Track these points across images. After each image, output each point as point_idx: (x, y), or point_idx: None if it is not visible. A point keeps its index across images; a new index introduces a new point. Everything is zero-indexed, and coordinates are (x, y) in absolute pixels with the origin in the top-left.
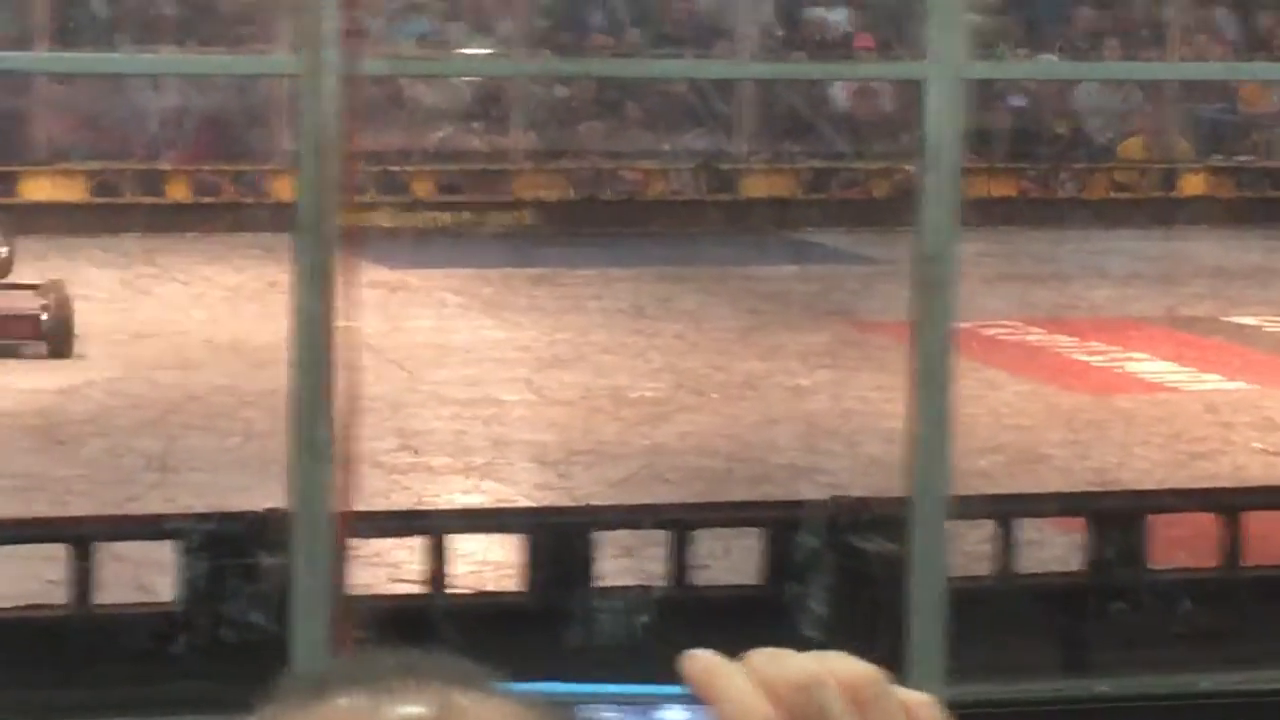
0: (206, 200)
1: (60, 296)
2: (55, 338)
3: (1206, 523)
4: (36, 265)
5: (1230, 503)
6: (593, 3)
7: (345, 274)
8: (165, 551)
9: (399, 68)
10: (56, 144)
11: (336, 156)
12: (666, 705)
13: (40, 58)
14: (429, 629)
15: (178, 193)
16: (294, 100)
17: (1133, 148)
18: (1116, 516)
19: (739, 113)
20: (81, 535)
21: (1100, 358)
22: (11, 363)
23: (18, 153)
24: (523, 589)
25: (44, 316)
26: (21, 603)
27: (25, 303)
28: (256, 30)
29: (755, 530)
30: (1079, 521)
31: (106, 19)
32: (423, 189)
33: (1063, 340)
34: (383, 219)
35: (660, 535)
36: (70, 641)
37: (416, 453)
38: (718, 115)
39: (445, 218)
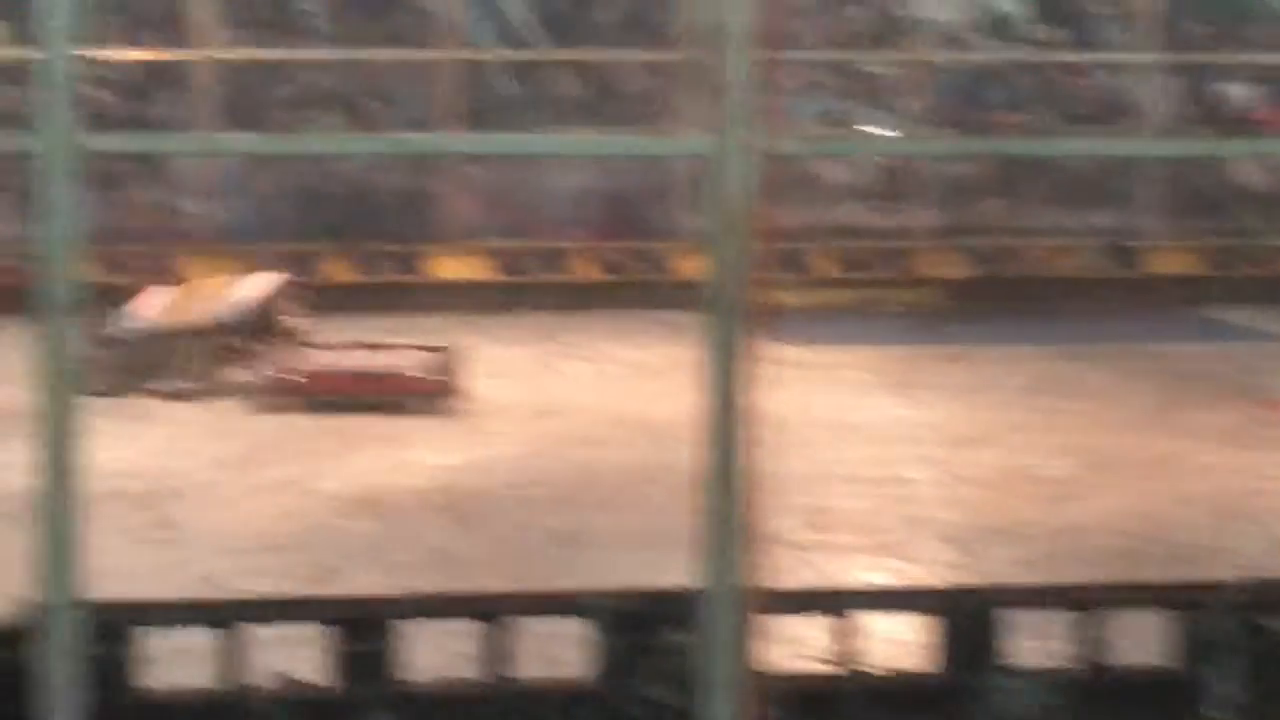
0: (610, 278)
1: (447, 360)
2: (440, 396)
3: None
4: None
5: None
6: (994, 80)
7: (754, 352)
8: (575, 627)
9: (809, 147)
10: (465, 223)
11: (747, 235)
12: None
13: (452, 139)
14: (837, 708)
15: (582, 271)
16: (699, 179)
17: None
18: None
19: (1146, 189)
20: (494, 611)
21: None
22: (418, 439)
23: (427, 232)
24: (932, 668)
25: (431, 376)
26: (435, 676)
27: (415, 360)
28: (658, 110)
29: (1166, 611)
30: None
31: (514, 99)
32: (825, 266)
33: None
34: (786, 297)
35: (1070, 615)
36: (484, 714)
37: (823, 530)
38: (1121, 191)
39: (848, 295)
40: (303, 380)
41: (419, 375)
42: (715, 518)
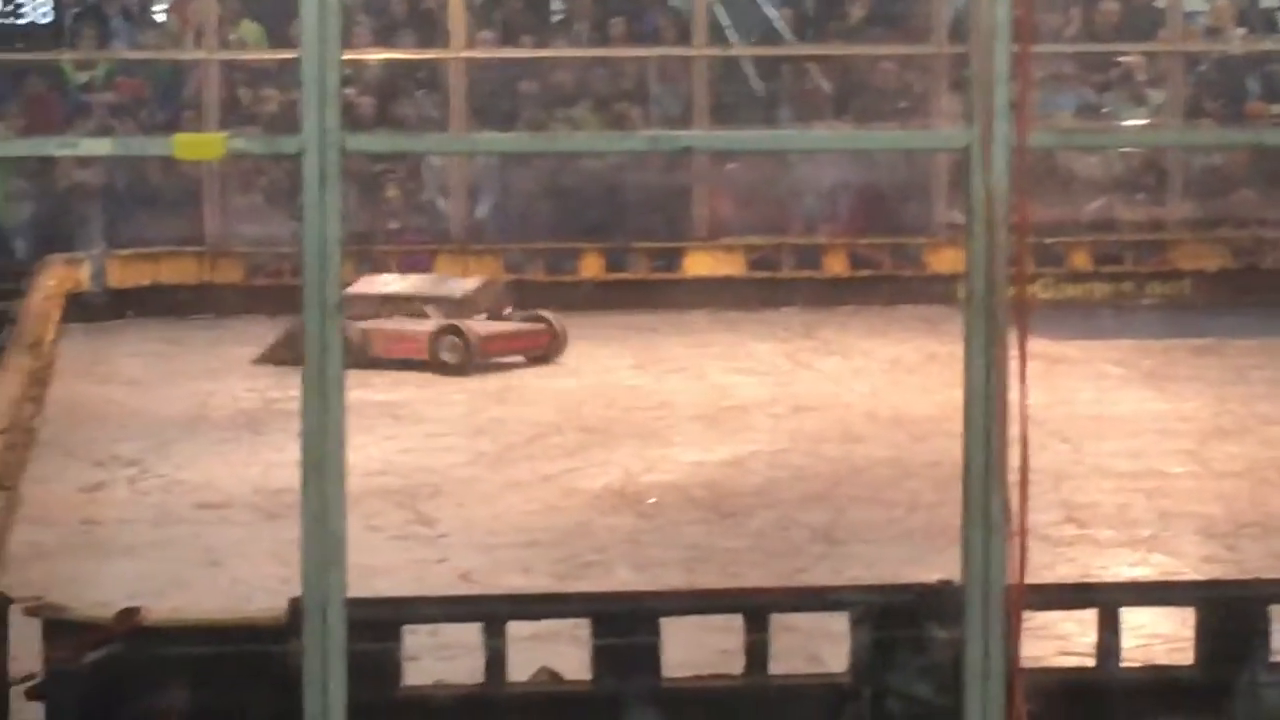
0: (864, 274)
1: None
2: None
3: None
4: (696, 338)
5: None
6: (1250, 71)
7: (1014, 347)
8: (835, 623)
9: (1066, 140)
10: (717, 220)
11: (1006, 230)
12: None
13: (709, 136)
14: (1097, 703)
15: (835, 266)
16: (955, 173)
17: None
18: None
19: None
20: (757, 606)
21: None
22: (677, 438)
23: (681, 230)
24: (1193, 663)
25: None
26: (697, 672)
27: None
28: (913, 105)
29: None
30: None
31: (764, 95)
32: (1080, 260)
33: None
34: (1042, 291)
35: None
36: (743, 711)
37: (1081, 525)
38: None
39: (1103, 289)
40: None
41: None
42: (976, 513)
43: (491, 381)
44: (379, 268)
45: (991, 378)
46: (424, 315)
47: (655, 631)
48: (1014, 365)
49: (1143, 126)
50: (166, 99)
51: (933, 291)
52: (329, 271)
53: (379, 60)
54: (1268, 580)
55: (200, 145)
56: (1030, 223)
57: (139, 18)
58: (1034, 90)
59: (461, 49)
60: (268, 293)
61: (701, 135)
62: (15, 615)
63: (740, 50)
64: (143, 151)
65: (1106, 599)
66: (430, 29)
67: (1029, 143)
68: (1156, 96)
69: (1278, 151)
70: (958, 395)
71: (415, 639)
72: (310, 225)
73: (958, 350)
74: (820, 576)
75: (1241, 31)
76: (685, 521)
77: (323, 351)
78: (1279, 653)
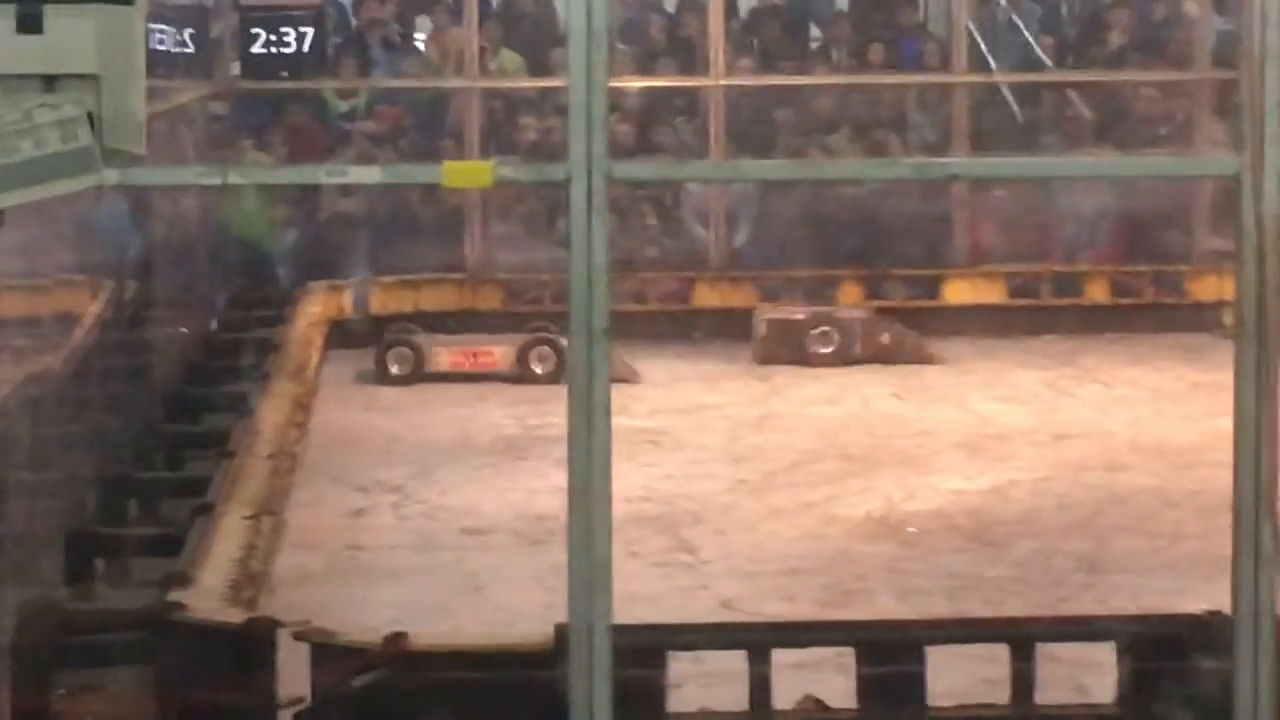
0: (1126, 301)
1: None
2: None
3: None
4: (958, 366)
5: None
6: None
7: None
8: (1101, 653)
9: None
10: (977, 247)
11: (1276, 257)
12: None
13: (973, 164)
14: None
15: (1096, 294)
16: (1218, 200)
17: None
18: None
19: None
20: (1021, 635)
21: None
22: (938, 466)
23: (942, 257)
24: None
25: None
26: (965, 701)
27: None
28: (1174, 131)
29: None
30: None
31: (1024, 122)
32: None
33: None
34: None
35: None
36: None
37: None
38: None
39: None
40: None
41: None
42: (1246, 542)
43: (752, 410)
44: (635, 297)
45: (1262, 405)
46: None
47: (920, 660)
48: None
49: None
50: (426, 128)
51: (1195, 320)
52: (596, 297)
53: (639, 88)
54: None
55: (469, 173)
56: None
57: (400, 46)
58: None
59: (720, 76)
60: (527, 318)
61: (966, 162)
62: (283, 639)
63: (1000, 77)
64: (411, 179)
65: None
66: (689, 56)
67: None
68: None
69: None
70: (1221, 424)
71: (679, 666)
72: (578, 252)
73: (1220, 379)
74: (1084, 606)
75: None
76: (947, 550)
77: (589, 376)
78: None
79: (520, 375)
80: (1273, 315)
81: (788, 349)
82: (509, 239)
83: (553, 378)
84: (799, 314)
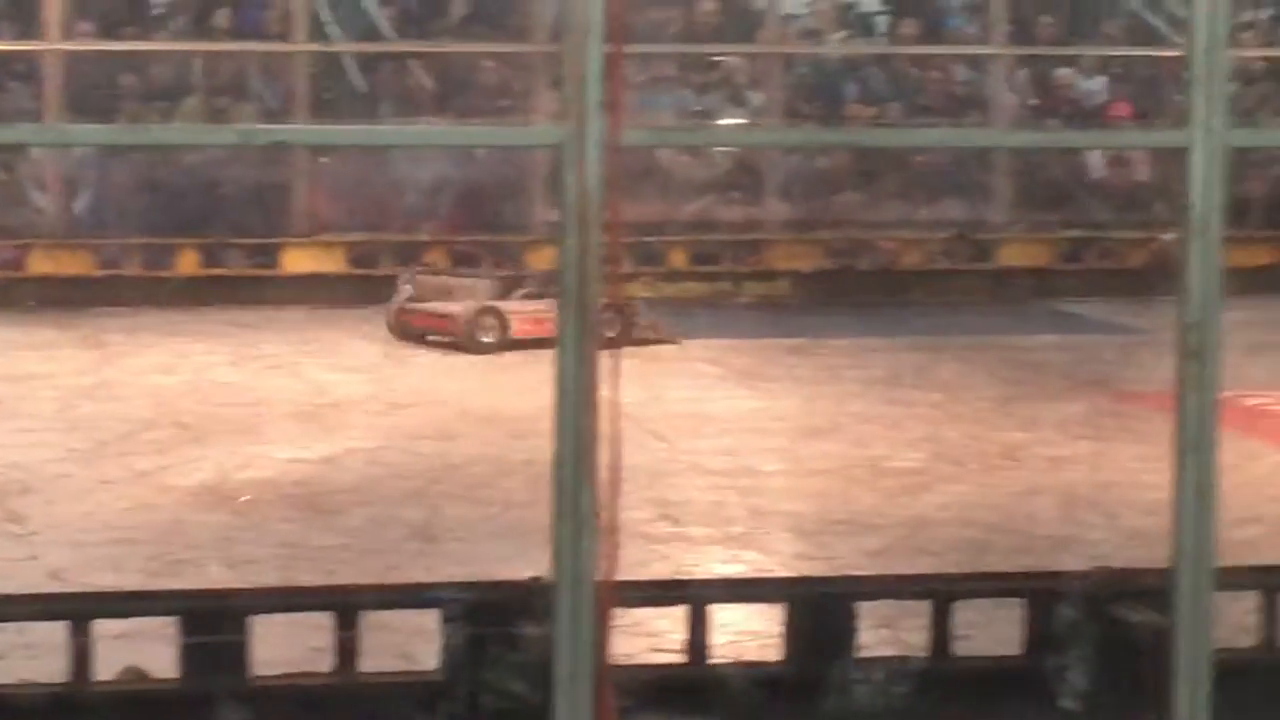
0: (465, 271)
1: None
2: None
3: None
4: (294, 335)
5: None
6: (848, 74)
7: (605, 343)
8: (428, 620)
9: (660, 138)
10: (316, 216)
11: (598, 228)
12: None
13: (307, 130)
14: (689, 699)
15: (436, 263)
16: (553, 171)
17: None
18: None
19: (996, 182)
20: (346, 604)
21: None
22: (273, 435)
23: (279, 225)
24: (782, 659)
25: None
26: (288, 670)
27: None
28: (514, 103)
29: (1016, 601)
30: None
31: (365, 91)
32: (679, 259)
33: None
34: (640, 290)
35: (920, 606)
36: (335, 709)
37: (675, 522)
38: (974, 185)
39: (701, 288)
40: None
41: None
42: (567, 510)
43: (85, 379)
44: None
45: (582, 374)
46: None
47: (243, 629)
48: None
49: (737, 126)
50: None
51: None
52: None
53: None
54: (856, 577)
55: None
56: (625, 221)
57: None
58: (632, 90)
59: (58, 41)
60: None
61: (295, 129)
62: None
63: (341, 46)
64: None
65: (696, 595)
66: (28, 20)
67: (621, 140)
68: (757, 98)
69: (877, 154)
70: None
71: (3, 637)
72: None
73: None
74: (415, 574)
75: (840, 35)
76: (280, 519)
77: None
78: (867, 648)
79: None
80: (593, 283)
81: None
82: None
83: None
84: None
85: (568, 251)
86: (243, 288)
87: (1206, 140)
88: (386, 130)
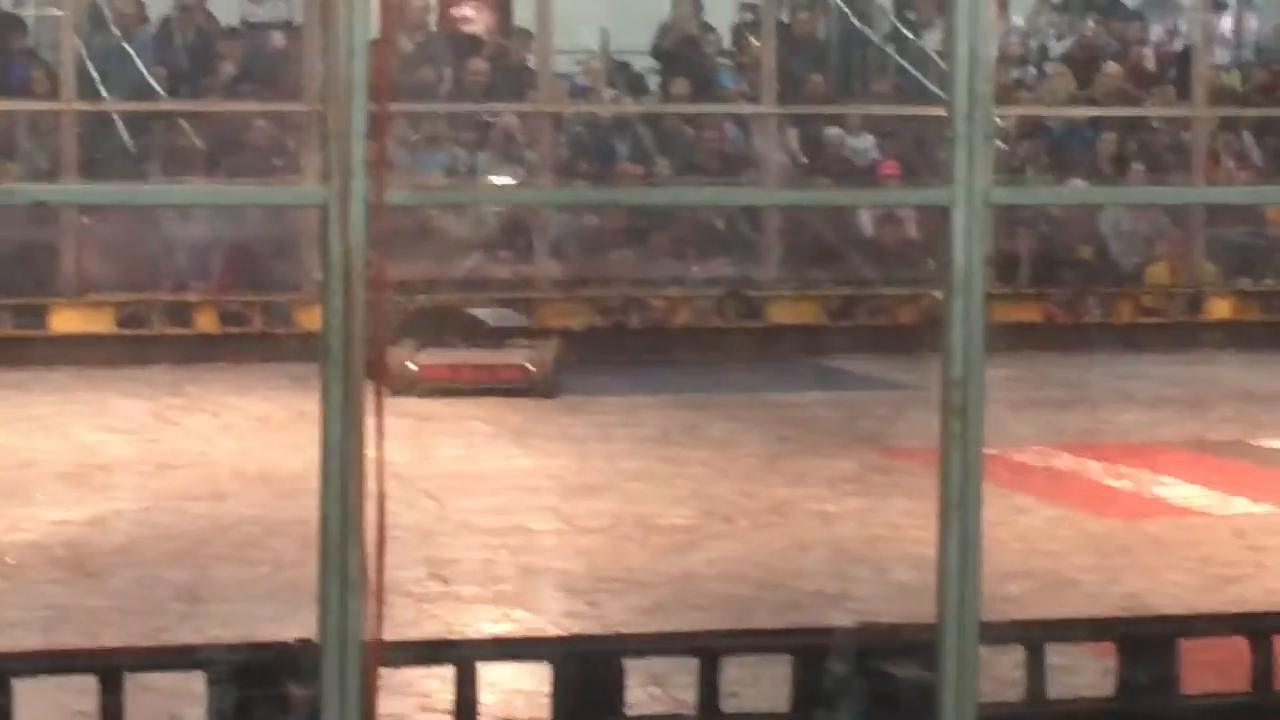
0: (235, 331)
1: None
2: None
3: (1238, 647)
4: (62, 395)
5: (1262, 626)
6: (619, 132)
7: (373, 403)
8: (196, 682)
9: (426, 198)
10: (84, 276)
11: (363, 286)
12: None
13: (68, 190)
14: None
15: (206, 323)
16: (322, 230)
17: (1159, 272)
18: (1148, 641)
19: (766, 240)
20: (111, 666)
21: (1128, 482)
22: (40, 496)
23: (46, 285)
24: (551, 717)
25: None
26: None
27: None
28: (285, 162)
29: (785, 657)
30: (1110, 646)
31: (134, 150)
32: None
33: (1091, 465)
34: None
35: (690, 663)
36: None
37: (445, 581)
38: (745, 243)
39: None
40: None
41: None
42: (332, 569)
43: None
44: None
45: (349, 434)
46: None
47: (7, 692)
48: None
49: (507, 185)
50: None
51: (304, 349)
52: None
53: None
54: (625, 635)
55: None
56: (393, 280)
57: None
58: (403, 149)
59: None
60: None
61: (59, 189)
62: None
63: (111, 105)
64: None
65: (464, 654)
66: None
67: (387, 200)
68: (530, 156)
69: (648, 212)
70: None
71: None
72: None
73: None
74: (182, 636)
75: (612, 93)
76: (45, 581)
77: None
78: (637, 706)
79: None
80: (358, 343)
81: None
82: None
83: None
84: None
85: (331, 310)
86: (10, 348)
87: (968, 198)
88: (153, 189)
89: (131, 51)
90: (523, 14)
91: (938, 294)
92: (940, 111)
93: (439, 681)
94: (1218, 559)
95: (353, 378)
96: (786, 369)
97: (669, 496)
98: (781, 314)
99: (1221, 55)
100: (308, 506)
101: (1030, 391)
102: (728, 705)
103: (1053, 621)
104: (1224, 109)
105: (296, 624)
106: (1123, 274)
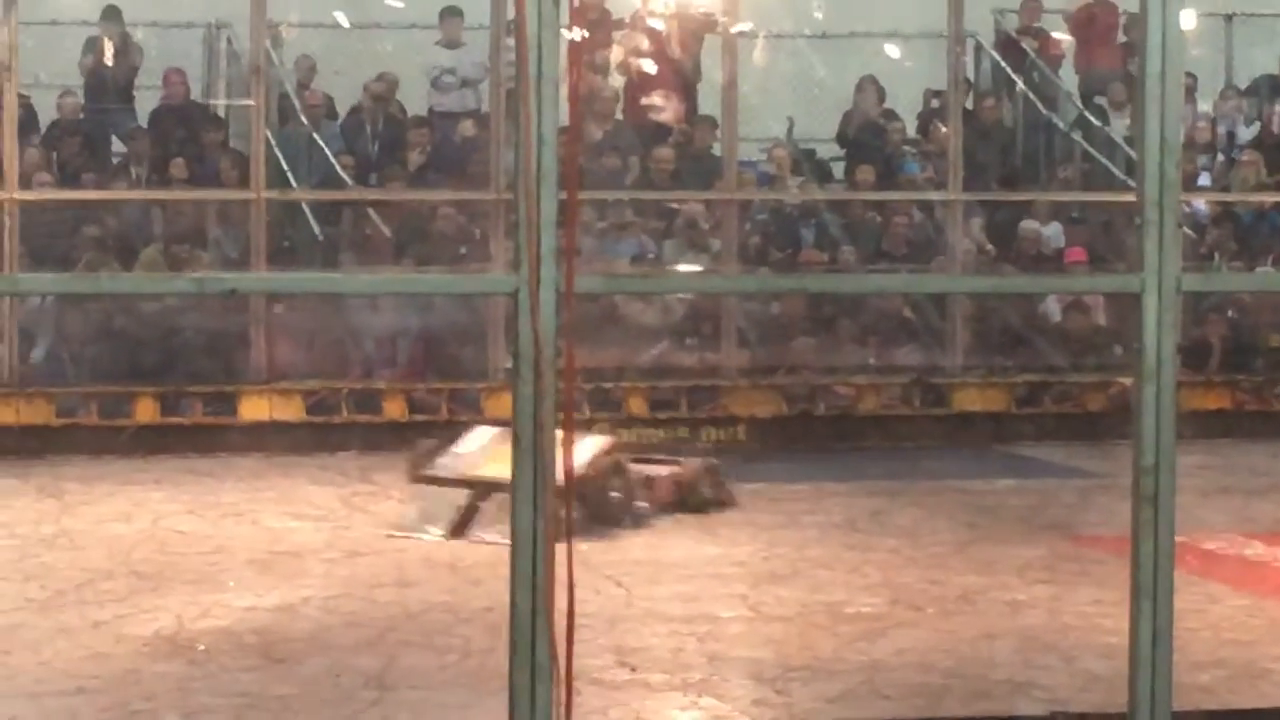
0: (422, 418)
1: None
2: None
3: None
4: (252, 482)
5: None
6: (805, 219)
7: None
8: None
9: (614, 285)
10: (274, 364)
11: (553, 373)
12: None
13: (258, 278)
14: None
15: (394, 411)
16: (510, 318)
17: None
18: None
19: (952, 327)
20: None
21: None
22: (230, 583)
23: (236, 373)
24: None
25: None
26: None
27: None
28: (471, 250)
29: None
30: None
31: (323, 238)
32: (637, 405)
33: None
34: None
35: None
36: None
37: (633, 669)
38: (931, 330)
39: (659, 434)
40: None
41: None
42: (522, 657)
43: (43, 528)
44: None
45: (539, 521)
46: None
47: None
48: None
49: (693, 273)
50: None
51: None
52: None
53: None
54: None
55: None
56: (581, 367)
57: None
58: (590, 237)
59: (15, 190)
60: None
61: (250, 277)
62: None
63: (300, 195)
64: None
65: None
66: None
67: (575, 287)
68: (715, 244)
69: (834, 299)
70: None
71: None
72: None
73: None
74: None
75: (797, 181)
76: (236, 668)
77: None
78: None
79: None
80: (549, 430)
81: None
82: None
83: None
84: None
85: (521, 397)
86: (200, 435)
87: (1159, 284)
88: (342, 277)
89: (320, 141)
90: (709, 103)
91: (1126, 381)
92: (1128, 198)
93: None
94: None
95: (541, 463)
96: (973, 456)
97: (857, 584)
98: (968, 401)
99: None
100: (496, 593)
101: (1220, 479)
102: None
103: (1245, 712)
104: None
105: (485, 711)
106: None
